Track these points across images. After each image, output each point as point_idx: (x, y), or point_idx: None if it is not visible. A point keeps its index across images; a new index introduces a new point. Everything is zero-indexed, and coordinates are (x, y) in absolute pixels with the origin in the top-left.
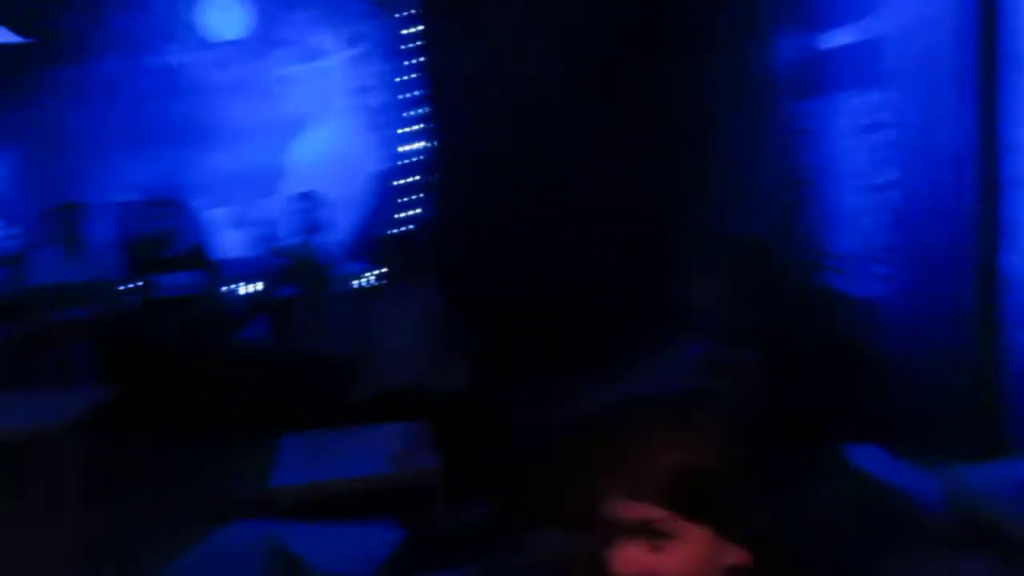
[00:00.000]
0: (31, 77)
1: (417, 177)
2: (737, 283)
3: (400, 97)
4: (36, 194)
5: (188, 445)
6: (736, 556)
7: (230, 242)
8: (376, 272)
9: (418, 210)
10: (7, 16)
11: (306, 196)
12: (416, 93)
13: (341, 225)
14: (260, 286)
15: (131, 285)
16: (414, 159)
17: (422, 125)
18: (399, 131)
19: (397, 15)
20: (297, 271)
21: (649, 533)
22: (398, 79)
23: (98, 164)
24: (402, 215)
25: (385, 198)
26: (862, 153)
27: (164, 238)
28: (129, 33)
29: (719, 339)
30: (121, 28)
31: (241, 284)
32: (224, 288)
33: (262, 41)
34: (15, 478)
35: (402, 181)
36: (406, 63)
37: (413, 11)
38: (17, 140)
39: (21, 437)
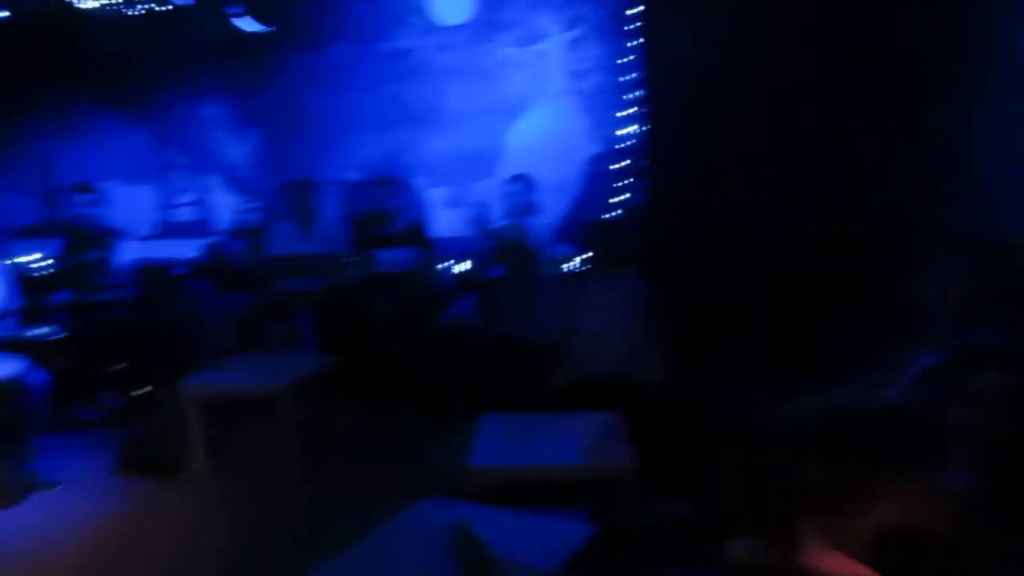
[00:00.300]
0: (272, 63)
1: (629, 162)
2: (981, 292)
3: (616, 80)
4: (275, 171)
5: (391, 417)
6: None
7: (446, 221)
8: (583, 257)
9: (629, 195)
10: (252, 7)
11: (519, 178)
12: (632, 76)
13: (552, 208)
14: (470, 266)
15: (355, 259)
16: (627, 144)
17: (637, 109)
18: (613, 115)
19: None
20: (507, 253)
21: None
22: (614, 62)
23: (330, 144)
24: (613, 200)
25: (596, 182)
26: None
27: (387, 215)
28: (361, 20)
29: (955, 357)
30: (354, 16)
31: (453, 263)
32: (438, 266)
33: (485, 24)
34: (238, 432)
35: (614, 166)
36: (623, 45)
37: None
38: (259, 121)
39: (248, 396)
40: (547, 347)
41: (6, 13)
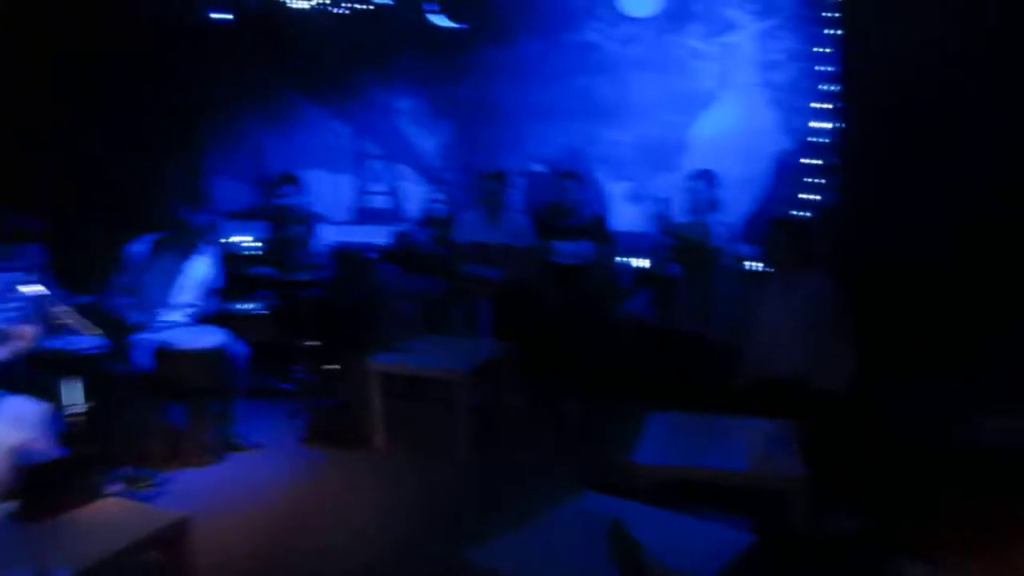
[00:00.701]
0: (464, 57)
1: (820, 160)
2: None
3: (810, 72)
4: (464, 162)
5: (562, 407)
6: None
7: (626, 216)
8: (767, 257)
9: (818, 195)
10: (446, 4)
11: (703, 174)
12: (827, 70)
13: (736, 205)
14: (649, 261)
15: (536, 250)
16: (820, 140)
17: (832, 104)
18: (806, 109)
19: None
20: (687, 249)
21: None
22: (809, 53)
23: (517, 136)
24: (800, 199)
25: (784, 180)
26: None
27: (568, 208)
28: (550, 14)
29: None
30: (543, 9)
31: (632, 258)
32: (616, 260)
33: (673, 16)
34: (416, 411)
35: (805, 162)
36: (819, 36)
37: None
38: (450, 114)
39: (428, 377)
40: (724, 347)
41: (228, 16)
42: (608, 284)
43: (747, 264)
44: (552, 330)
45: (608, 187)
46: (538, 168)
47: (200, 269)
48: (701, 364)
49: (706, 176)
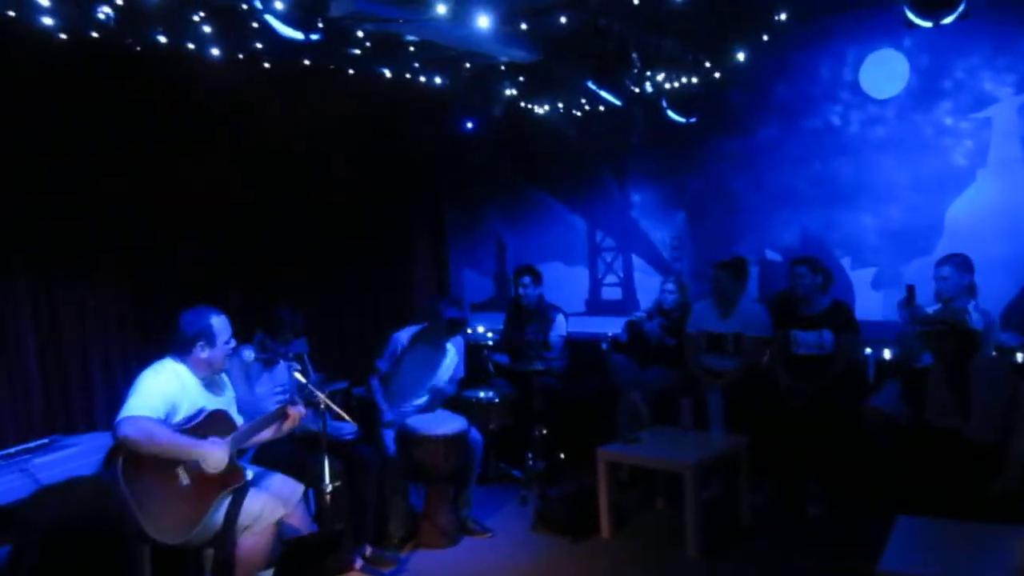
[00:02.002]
0: (697, 148)
1: None
2: None
3: None
4: (698, 251)
5: (800, 503)
6: None
7: (873, 303)
8: None
9: None
10: (673, 103)
11: (957, 258)
12: None
13: (995, 290)
14: (897, 351)
15: (772, 340)
16: None
17: None
18: None
19: None
20: (940, 339)
21: None
22: None
23: (754, 224)
24: None
25: None
26: None
27: (803, 295)
28: (788, 102)
29: None
30: (781, 98)
31: (879, 347)
32: (862, 350)
33: (921, 94)
34: (646, 503)
35: None
36: None
37: None
38: (682, 204)
39: (658, 468)
40: (983, 446)
41: (471, 124)
42: (852, 376)
43: (1010, 354)
44: (790, 424)
45: (852, 273)
46: (774, 256)
47: (448, 359)
48: (958, 464)
49: (960, 260)
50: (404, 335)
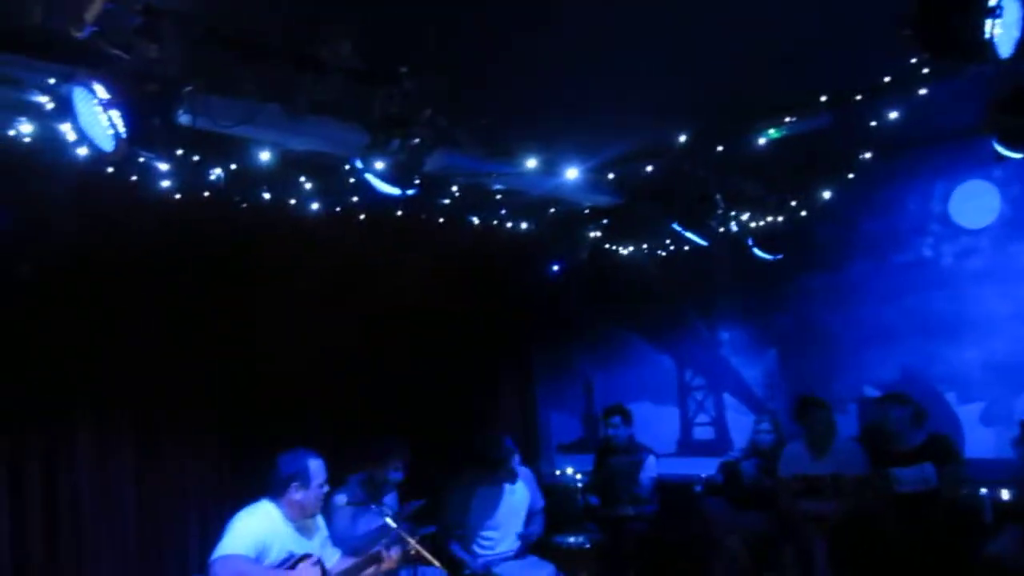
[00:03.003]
0: (786, 286)
1: None
2: None
3: None
4: (789, 390)
5: None
6: None
7: (982, 440)
8: None
9: None
10: (762, 241)
11: None
12: None
13: None
14: (1014, 492)
15: (872, 480)
16: None
17: None
18: None
19: None
20: None
21: None
22: None
23: (847, 361)
24: None
25: None
26: None
27: (894, 431)
28: (878, 236)
29: None
30: (870, 233)
31: (994, 487)
32: (976, 490)
33: (1017, 222)
34: None
35: None
36: None
37: None
38: (773, 341)
39: None
40: None
41: (556, 267)
42: (966, 517)
43: None
44: (902, 569)
45: (959, 409)
46: (873, 393)
47: (519, 494)
48: None
49: None
50: (462, 478)
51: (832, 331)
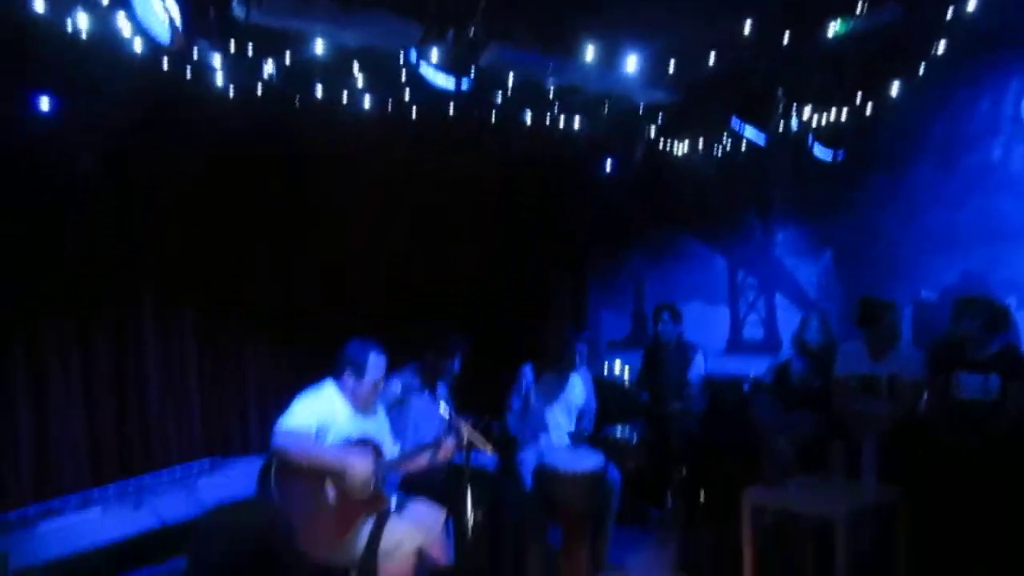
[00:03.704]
0: (845, 187)
1: None
2: None
3: None
4: (845, 291)
5: (961, 565)
6: None
7: None
8: None
9: None
10: (822, 135)
11: None
12: None
13: None
14: None
15: (933, 384)
16: None
17: None
18: None
19: None
20: None
21: None
22: None
23: (906, 264)
24: None
25: None
26: None
27: (971, 338)
28: (944, 136)
29: None
30: (937, 132)
31: None
32: None
33: None
34: (790, 553)
35: None
36: None
37: None
38: (830, 243)
39: (803, 518)
40: None
41: (610, 166)
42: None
43: None
44: (953, 477)
45: (1018, 314)
46: (931, 297)
47: (576, 392)
48: None
49: None
50: (528, 369)
51: (891, 234)
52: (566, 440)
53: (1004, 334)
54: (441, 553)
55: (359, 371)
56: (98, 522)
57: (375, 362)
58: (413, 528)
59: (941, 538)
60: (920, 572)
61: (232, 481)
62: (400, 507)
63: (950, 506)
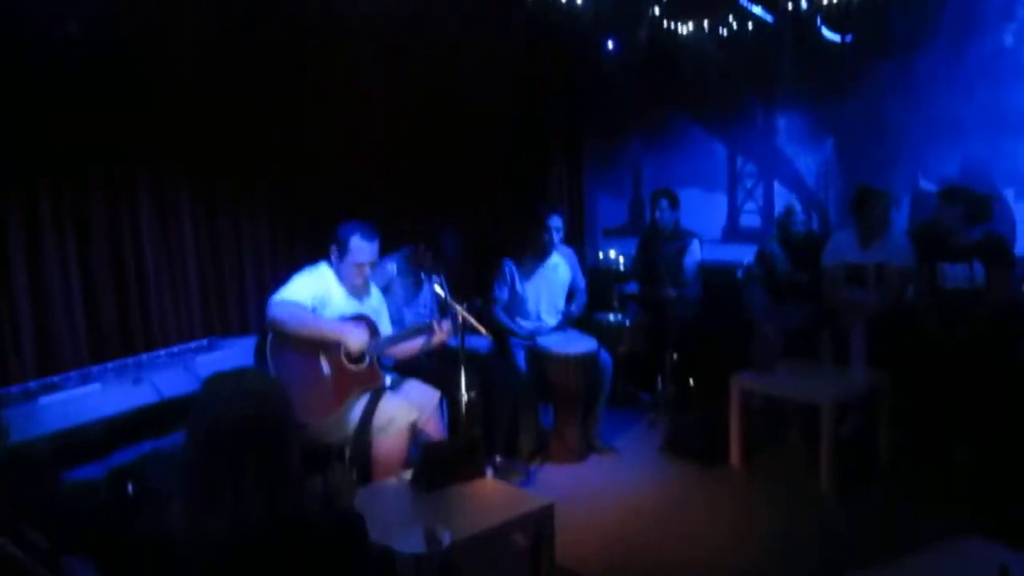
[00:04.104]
0: (850, 72)
1: None
2: None
3: None
4: (843, 180)
5: (942, 447)
6: None
7: None
8: None
9: None
10: (830, 17)
11: None
12: None
13: None
14: None
15: (918, 273)
16: None
17: None
18: None
19: None
20: None
21: None
22: None
23: (907, 153)
24: None
25: None
26: None
27: (950, 226)
28: (954, 21)
29: None
30: (946, 17)
31: None
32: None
33: None
34: (777, 437)
35: None
36: None
37: None
38: (831, 130)
39: (791, 403)
40: None
41: (612, 46)
42: (1009, 315)
43: None
44: (939, 365)
45: (1016, 206)
46: (929, 187)
47: (561, 271)
48: None
49: None
50: (509, 261)
51: (894, 122)
52: (555, 322)
53: (985, 223)
54: (434, 430)
55: (342, 251)
56: (98, 397)
57: (358, 245)
58: (407, 405)
59: (923, 422)
60: (901, 455)
61: (230, 358)
62: (394, 386)
63: (933, 391)
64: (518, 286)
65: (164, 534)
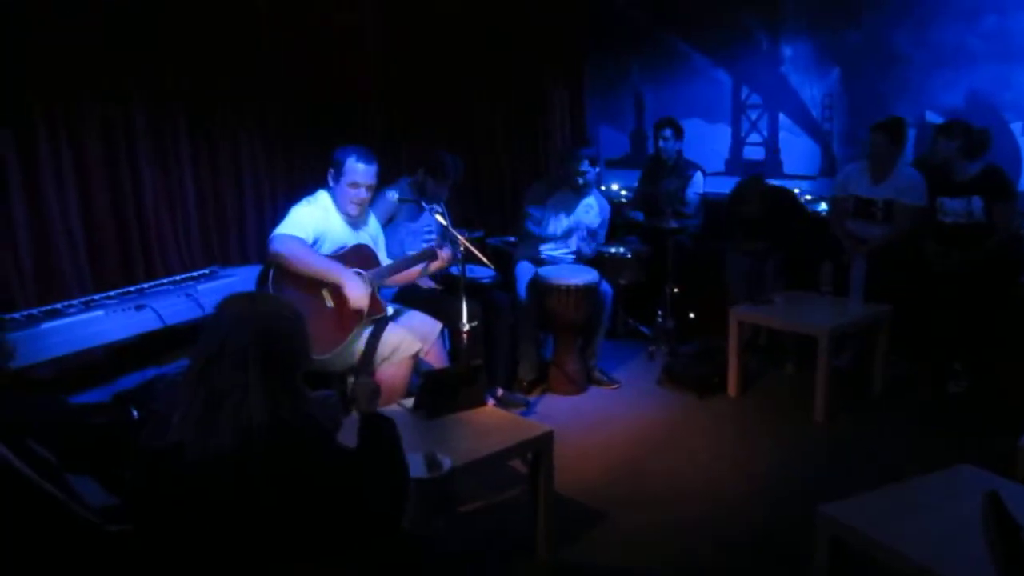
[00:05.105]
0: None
1: None
2: None
3: None
4: (845, 112)
5: (939, 378)
6: None
7: None
8: None
9: None
10: None
11: None
12: None
13: None
14: None
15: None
16: None
17: None
18: None
19: None
20: None
21: None
22: None
23: (912, 83)
24: None
25: None
26: None
27: (945, 159)
28: None
29: None
30: None
31: None
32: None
33: None
34: (774, 365)
35: None
36: None
37: None
38: (837, 60)
39: (790, 331)
40: None
41: None
42: (1013, 252)
43: None
44: (937, 297)
45: (1021, 139)
46: (935, 119)
47: (591, 215)
48: None
49: None
50: (532, 189)
51: (902, 51)
52: (565, 256)
53: (983, 157)
54: (436, 359)
55: (338, 173)
56: (101, 323)
57: (352, 167)
58: (409, 335)
59: (918, 354)
60: (895, 385)
61: (233, 286)
62: (397, 316)
63: (929, 323)
64: (543, 218)
65: (167, 447)
